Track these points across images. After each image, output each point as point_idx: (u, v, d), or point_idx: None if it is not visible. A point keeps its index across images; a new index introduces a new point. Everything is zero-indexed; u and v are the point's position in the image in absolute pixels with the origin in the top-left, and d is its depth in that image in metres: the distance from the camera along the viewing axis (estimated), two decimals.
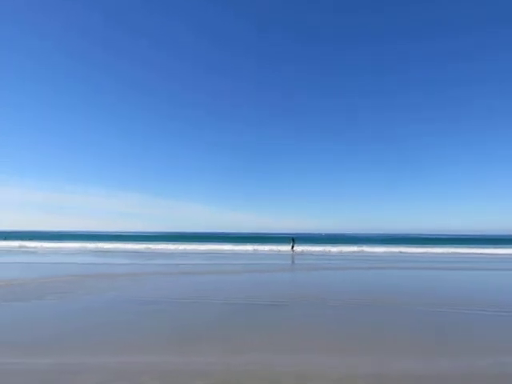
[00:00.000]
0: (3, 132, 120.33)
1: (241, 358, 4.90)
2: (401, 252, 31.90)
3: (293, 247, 32.72)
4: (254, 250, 33.52)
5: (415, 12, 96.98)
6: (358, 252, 31.83)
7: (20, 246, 34.49)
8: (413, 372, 4.47)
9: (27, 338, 5.70)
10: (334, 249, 34.13)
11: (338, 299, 9.20)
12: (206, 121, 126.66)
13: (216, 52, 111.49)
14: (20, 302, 8.43)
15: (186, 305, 8.37)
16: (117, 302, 8.66)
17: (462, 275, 15.74)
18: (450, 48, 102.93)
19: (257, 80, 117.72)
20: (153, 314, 7.50)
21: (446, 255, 29.29)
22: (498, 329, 6.60)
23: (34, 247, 34.02)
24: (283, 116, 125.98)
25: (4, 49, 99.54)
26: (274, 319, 7.16)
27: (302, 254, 29.70)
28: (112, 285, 11.25)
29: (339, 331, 6.34)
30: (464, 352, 5.29)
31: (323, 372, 4.42)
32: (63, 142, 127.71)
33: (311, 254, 29.64)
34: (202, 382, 4.05)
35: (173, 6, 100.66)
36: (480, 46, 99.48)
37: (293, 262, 22.45)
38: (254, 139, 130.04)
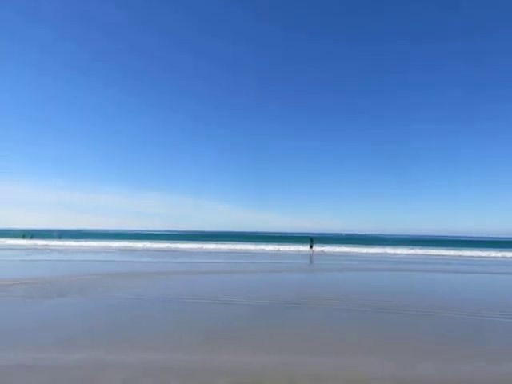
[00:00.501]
0: (28, 135, 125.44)
1: (262, 357, 4.96)
2: (426, 254, 31.04)
3: (311, 247, 32.47)
4: (273, 249, 33.49)
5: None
6: (381, 253, 31.21)
7: (44, 245, 35.90)
8: (430, 377, 4.39)
9: (54, 335, 5.95)
10: (354, 249, 33.62)
11: (357, 301, 9.10)
12: (229, 121, 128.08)
13: (235, 51, 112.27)
14: (47, 299, 8.80)
15: (208, 304, 8.50)
16: (141, 300, 8.90)
17: (492, 279, 15.16)
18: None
19: (281, 78, 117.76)
20: (176, 312, 7.67)
21: (478, 258, 28.27)
22: None
23: (60, 245, 35.34)
24: (306, 115, 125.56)
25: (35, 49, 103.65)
26: (293, 320, 7.18)
27: (321, 254, 29.45)
28: (136, 283, 11.56)
29: (356, 333, 6.28)
30: (485, 359, 5.13)
31: (340, 373, 4.42)
32: (85, 142, 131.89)
33: (331, 254, 29.33)
34: (223, 381, 4.14)
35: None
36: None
37: (311, 262, 22.30)
38: (275, 139, 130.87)
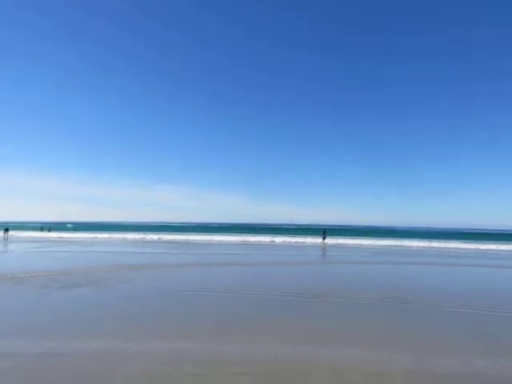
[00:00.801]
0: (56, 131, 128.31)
1: (277, 348, 5.01)
2: (442, 247, 30.54)
3: (324, 239, 32.37)
4: (285, 241, 33.55)
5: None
6: (395, 246, 30.87)
7: (61, 237, 36.97)
8: (445, 371, 4.36)
9: (74, 325, 6.15)
10: (367, 242, 33.34)
11: (374, 294, 9.09)
12: (250, 114, 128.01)
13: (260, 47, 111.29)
14: (65, 290, 9.09)
15: (222, 295, 8.63)
16: (157, 291, 9.07)
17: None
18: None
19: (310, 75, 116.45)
20: (190, 303, 7.83)
21: (495, 251, 27.65)
22: None
23: (76, 238, 36.32)
24: (322, 108, 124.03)
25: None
26: (308, 312, 7.22)
27: (333, 246, 29.35)
28: (152, 275, 11.81)
29: (371, 326, 6.27)
30: (506, 353, 5.08)
31: (359, 366, 4.42)
32: (100, 135, 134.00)
33: (344, 246, 29.20)
34: (237, 370, 4.21)
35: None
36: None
37: (324, 254, 22.27)
38: (292, 132, 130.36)
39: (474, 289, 10.33)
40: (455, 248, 29.09)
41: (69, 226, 67.69)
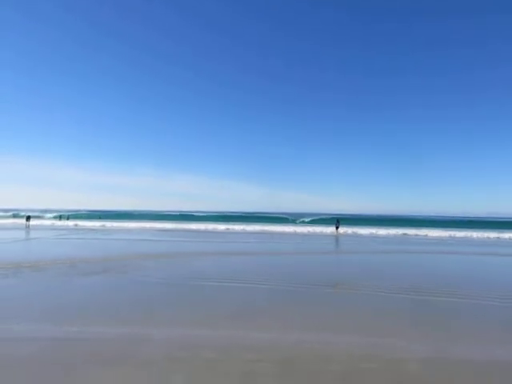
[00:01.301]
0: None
1: (295, 335, 5.11)
2: (458, 236, 30.05)
3: (337, 228, 32.25)
4: (298, 231, 33.59)
5: None
6: (410, 235, 30.54)
7: (80, 226, 37.89)
8: (471, 359, 4.38)
9: (94, 311, 6.39)
10: (380, 231, 33.07)
11: (388, 283, 9.14)
12: (267, 104, 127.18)
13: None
14: (84, 277, 9.41)
15: (239, 284, 8.77)
16: (175, 279, 9.30)
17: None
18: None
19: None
20: (207, 291, 8.00)
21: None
22: None
23: (95, 226, 37.15)
24: (335, 96, 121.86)
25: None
26: (323, 301, 7.31)
27: (347, 235, 29.25)
28: (171, 263, 12.13)
29: (390, 315, 6.32)
30: None
31: (374, 354, 4.48)
32: (115, 125, 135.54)
33: (357, 236, 29.08)
34: (252, 356, 4.33)
35: None
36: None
37: (337, 243, 22.26)
38: (302, 120, 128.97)
39: (493, 278, 10.21)
40: (473, 237, 28.57)
41: (95, 214, 69.05)
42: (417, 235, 30.03)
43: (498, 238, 28.37)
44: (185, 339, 4.92)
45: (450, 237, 28.89)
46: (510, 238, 27.83)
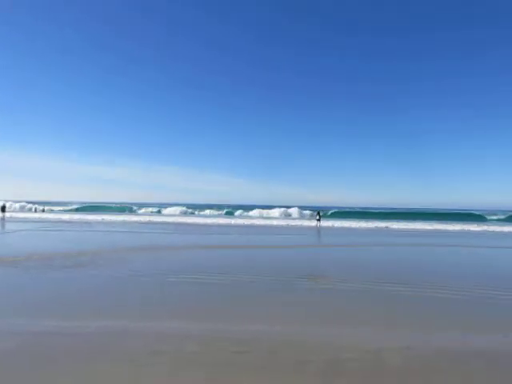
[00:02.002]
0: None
1: (274, 328, 5.18)
2: (436, 229, 31.08)
3: (319, 221, 32.72)
4: (278, 224, 33.90)
5: None
6: (386, 228, 31.37)
7: (56, 218, 36.85)
8: (446, 347, 4.57)
9: (75, 305, 6.27)
10: (362, 224, 33.81)
11: (364, 275, 9.43)
12: (243, 89, 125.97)
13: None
14: (62, 271, 9.20)
15: (218, 277, 8.77)
16: (156, 272, 9.21)
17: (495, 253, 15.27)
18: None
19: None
20: (189, 284, 7.95)
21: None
22: None
23: (73, 219, 36.22)
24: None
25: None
26: (303, 293, 7.43)
27: (328, 228, 29.75)
28: (152, 257, 12.02)
29: (367, 306, 6.52)
30: (504, 329, 5.32)
31: (355, 344, 4.62)
32: (98, 115, 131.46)
33: (339, 228, 29.62)
34: (237, 349, 4.37)
35: None
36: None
37: (316, 236, 22.63)
38: (289, 110, 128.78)
39: (471, 268, 10.67)
40: (446, 230, 29.68)
41: (69, 206, 66.94)
42: (399, 228, 30.88)
43: (468, 229, 29.56)
44: (167, 332, 4.90)
45: (436, 230, 29.91)
46: (483, 230, 29.09)
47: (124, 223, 30.84)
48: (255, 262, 11.53)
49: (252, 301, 6.72)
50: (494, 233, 27.88)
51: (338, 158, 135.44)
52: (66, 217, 38.97)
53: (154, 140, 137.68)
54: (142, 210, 61.32)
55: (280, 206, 59.33)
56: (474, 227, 32.12)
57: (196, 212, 57.63)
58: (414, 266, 11.17)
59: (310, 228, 29.55)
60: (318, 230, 27.93)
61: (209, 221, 36.18)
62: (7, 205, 40.07)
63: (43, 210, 54.79)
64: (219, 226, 30.21)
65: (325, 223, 33.64)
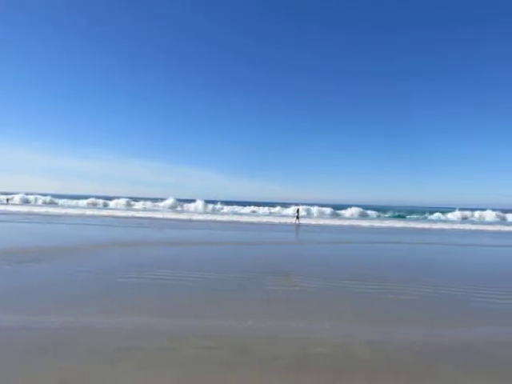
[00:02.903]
0: None
1: (242, 323, 5.26)
2: (405, 227, 32.10)
3: (298, 218, 33.02)
4: (256, 221, 33.99)
5: None
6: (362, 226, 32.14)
7: (25, 211, 35.41)
8: (410, 340, 4.79)
9: (40, 300, 6.14)
10: (338, 222, 34.43)
11: (333, 271, 9.70)
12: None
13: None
14: (27, 265, 8.97)
15: (186, 273, 8.77)
16: (122, 268, 9.10)
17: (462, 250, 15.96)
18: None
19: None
20: (156, 281, 7.90)
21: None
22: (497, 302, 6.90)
23: (40, 212, 34.90)
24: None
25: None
26: (274, 289, 7.52)
27: (306, 226, 30.11)
28: (122, 252, 11.86)
29: (335, 302, 6.72)
30: (464, 323, 5.63)
31: (322, 337, 4.78)
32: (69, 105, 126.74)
33: (317, 226, 30.05)
34: (207, 344, 4.42)
35: None
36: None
37: (294, 233, 22.89)
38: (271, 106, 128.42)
39: (434, 265, 11.12)
40: (412, 227, 30.75)
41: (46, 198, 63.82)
42: (370, 226, 31.66)
43: (428, 227, 30.79)
44: (134, 328, 4.88)
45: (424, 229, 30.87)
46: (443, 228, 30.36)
47: (93, 217, 30.03)
48: (228, 259, 11.54)
49: (222, 297, 6.76)
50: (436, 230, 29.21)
51: (317, 156, 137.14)
52: (25, 209, 37.53)
53: (127, 132, 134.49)
54: (112, 203, 59.69)
55: (254, 203, 59.13)
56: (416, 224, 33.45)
57: (180, 207, 56.64)
58: (382, 263, 11.53)
59: (287, 225, 29.82)
60: (296, 227, 28.20)
61: (184, 216, 35.82)
62: None
63: (7, 201, 52.37)
64: (193, 221, 29.97)
65: (303, 221, 34.01)
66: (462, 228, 32.54)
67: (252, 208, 56.17)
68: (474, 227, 33.80)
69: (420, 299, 7.08)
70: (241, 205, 59.90)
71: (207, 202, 54.82)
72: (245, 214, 45.95)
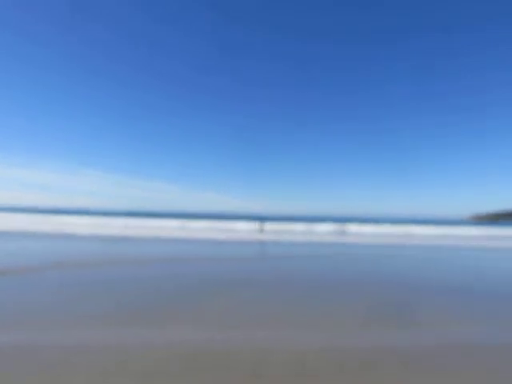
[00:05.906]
0: None
1: (197, 333, 5.33)
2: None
3: (261, 230, 33.27)
4: (216, 236, 33.78)
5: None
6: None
7: None
8: (366, 345, 5.08)
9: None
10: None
11: (291, 280, 9.88)
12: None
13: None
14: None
15: (136, 283, 8.66)
16: (72, 282, 8.81)
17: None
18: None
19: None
20: (105, 293, 7.72)
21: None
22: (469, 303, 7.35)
23: None
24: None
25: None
26: (229, 299, 7.60)
27: (270, 240, 30.33)
28: (74, 269, 11.39)
29: (294, 309, 6.93)
30: (417, 326, 5.95)
31: (281, 346, 4.96)
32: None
33: (282, 240, 30.38)
34: (158, 355, 4.46)
35: None
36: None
37: (261, 247, 23.03)
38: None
39: (385, 269, 11.71)
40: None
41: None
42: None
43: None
44: (84, 342, 4.81)
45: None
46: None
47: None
48: (177, 275, 11.46)
49: (172, 307, 6.78)
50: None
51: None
52: None
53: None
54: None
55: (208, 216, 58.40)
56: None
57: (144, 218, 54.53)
58: (337, 269, 11.96)
59: (248, 240, 29.90)
60: (260, 241, 28.34)
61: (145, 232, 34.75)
62: None
63: None
64: (147, 238, 29.21)
65: (267, 236, 34.23)
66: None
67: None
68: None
69: (370, 302, 7.44)
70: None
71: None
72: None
